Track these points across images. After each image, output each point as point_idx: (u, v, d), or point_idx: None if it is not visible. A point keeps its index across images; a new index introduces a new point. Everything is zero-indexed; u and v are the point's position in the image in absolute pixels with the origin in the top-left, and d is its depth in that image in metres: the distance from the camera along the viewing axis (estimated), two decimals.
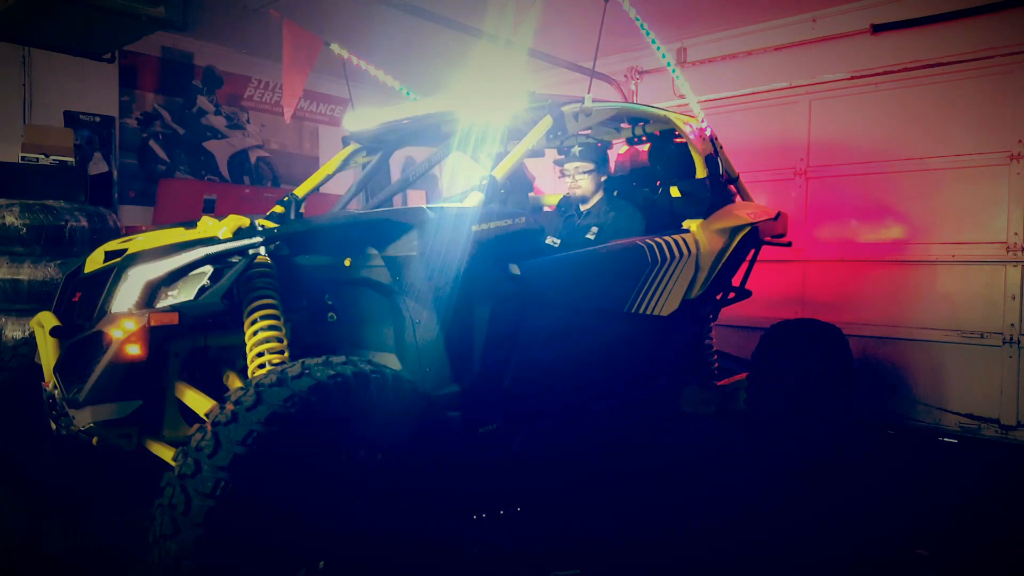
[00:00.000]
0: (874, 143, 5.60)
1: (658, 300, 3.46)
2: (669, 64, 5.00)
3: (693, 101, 4.77)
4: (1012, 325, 4.92)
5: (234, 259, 2.71)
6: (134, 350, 2.39)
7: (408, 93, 5.80)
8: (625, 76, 7.33)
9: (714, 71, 6.58)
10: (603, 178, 3.89)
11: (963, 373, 5.17)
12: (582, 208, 3.93)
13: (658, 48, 4.73)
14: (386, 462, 2.21)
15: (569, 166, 3.88)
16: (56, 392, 2.58)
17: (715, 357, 4.21)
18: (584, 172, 3.84)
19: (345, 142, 4.16)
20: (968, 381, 5.15)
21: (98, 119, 6.80)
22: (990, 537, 3.32)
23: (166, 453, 2.55)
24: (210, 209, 7.10)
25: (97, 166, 6.76)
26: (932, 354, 5.30)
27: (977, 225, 5.10)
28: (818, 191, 5.92)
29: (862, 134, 5.66)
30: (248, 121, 8.00)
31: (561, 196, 4.37)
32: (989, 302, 5.03)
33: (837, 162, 5.78)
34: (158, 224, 6.34)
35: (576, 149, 3.86)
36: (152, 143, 7.23)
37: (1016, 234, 4.91)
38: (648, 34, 4.57)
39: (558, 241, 3.67)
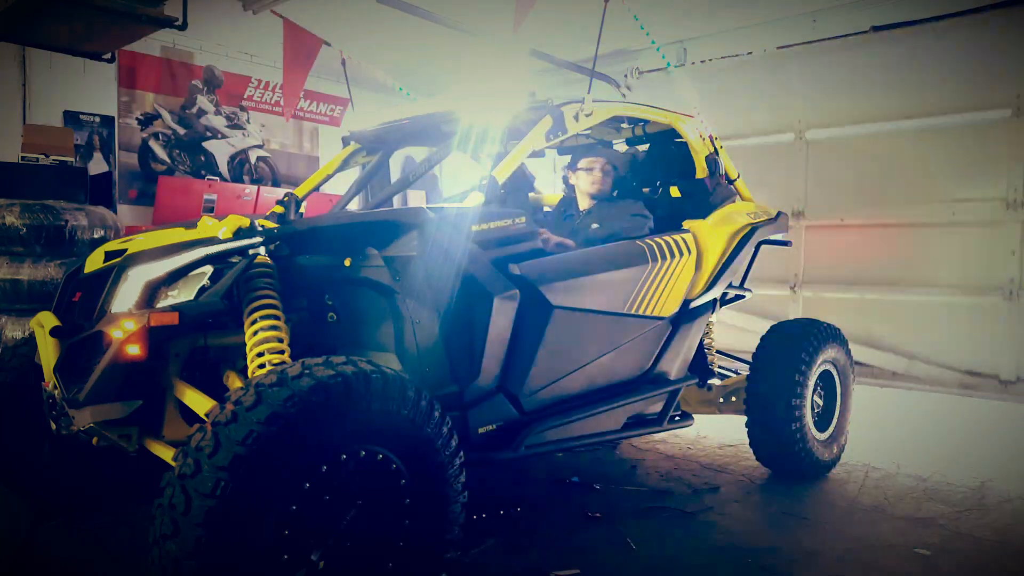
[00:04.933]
0: (873, 103, 5.63)
1: (658, 300, 3.46)
2: (669, 64, 5.00)
3: (694, 100, 4.76)
4: (1012, 280, 4.94)
5: (234, 259, 2.71)
6: (134, 350, 2.39)
7: (407, 92, 5.80)
8: (625, 76, 7.32)
9: (714, 70, 6.58)
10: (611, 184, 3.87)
11: (963, 329, 5.19)
12: (582, 207, 3.92)
13: (658, 49, 4.73)
14: (386, 462, 2.21)
15: (592, 161, 3.85)
16: (56, 392, 2.58)
17: (714, 357, 4.22)
18: (608, 167, 3.84)
19: (345, 142, 4.16)
20: (968, 337, 5.18)
21: (98, 119, 6.80)
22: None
23: (166, 453, 2.55)
24: (210, 209, 7.11)
25: (97, 166, 6.77)
26: (932, 311, 5.32)
27: (977, 181, 5.12)
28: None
29: (862, 97, 5.68)
30: (248, 121, 8.00)
31: (561, 196, 4.37)
32: (989, 258, 5.05)
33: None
34: (158, 224, 6.34)
35: (611, 161, 3.85)
36: (152, 143, 7.23)
37: (1016, 190, 4.92)
38: (648, 34, 4.57)
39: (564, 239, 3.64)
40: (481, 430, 2.83)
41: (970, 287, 5.19)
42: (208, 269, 2.64)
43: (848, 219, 5.80)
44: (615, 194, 3.96)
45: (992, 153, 5.12)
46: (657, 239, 3.51)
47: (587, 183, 3.84)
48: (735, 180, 4.21)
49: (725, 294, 4.07)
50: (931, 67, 5.34)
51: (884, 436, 5.14)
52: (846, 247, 5.89)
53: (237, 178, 7.91)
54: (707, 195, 3.91)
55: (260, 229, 2.78)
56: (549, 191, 5.08)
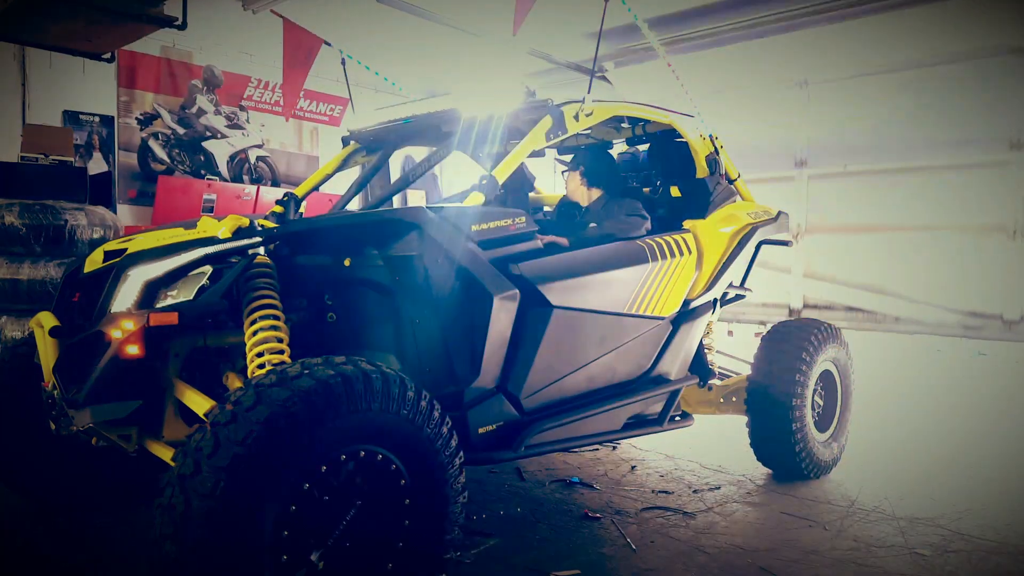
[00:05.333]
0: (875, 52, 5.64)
1: (658, 300, 3.46)
2: (668, 62, 4.99)
3: (692, 96, 4.75)
4: (1016, 219, 4.93)
5: (234, 259, 2.71)
6: (133, 350, 2.39)
7: (407, 92, 5.79)
8: (624, 73, 7.31)
9: (712, 59, 6.52)
10: (588, 183, 3.87)
11: (966, 270, 5.18)
12: (584, 205, 3.93)
13: (657, 46, 4.73)
14: (386, 462, 2.21)
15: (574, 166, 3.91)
16: (56, 392, 2.58)
17: (715, 357, 4.22)
18: (570, 171, 3.88)
19: (345, 142, 4.16)
20: (971, 278, 5.17)
21: (97, 119, 6.80)
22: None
23: (166, 454, 2.55)
24: (209, 209, 7.11)
25: (97, 166, 6.77)
26: (936, 253, 5.32)
27: (981, 122, 5.11)
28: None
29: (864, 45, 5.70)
30: (248, 121, 7.99)
31: (561, 196, 4.36)
32: (993, 198, 5.03)
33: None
34: (158, 224, 6.34)
35: (570, 164, 3.90)
36: (151, 143, 7.23)
37: (1021, 130, 4.90)
38: (648, 33, 4.56)
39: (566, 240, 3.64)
40: (481, 430, 2.82)
41: (974, 228, 5.16)
42: (208, 269, 2.64)
43: (851, 166, 5.77)
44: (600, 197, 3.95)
45: (996, 93, 5.05)
46: (657, 239, 3.50)
47: (568, 186, 3.93)
48: (735, 180, 4.21)
49: (725, 294, 4.07)
50: (932, 19, 5.26)
51: (885, 436, 5.14)
52: (849, 194, 5.85)
53: (237, 178, 7.90)
54: (707, 195, 3.91)
55: (260, 229, 2.78)
56: (549, 191, 5.08)
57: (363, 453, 2.15)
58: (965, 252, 5.20)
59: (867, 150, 5.74)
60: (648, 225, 3.62)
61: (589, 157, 3.92)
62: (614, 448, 4.70)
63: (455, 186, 8.81)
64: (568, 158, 4.04)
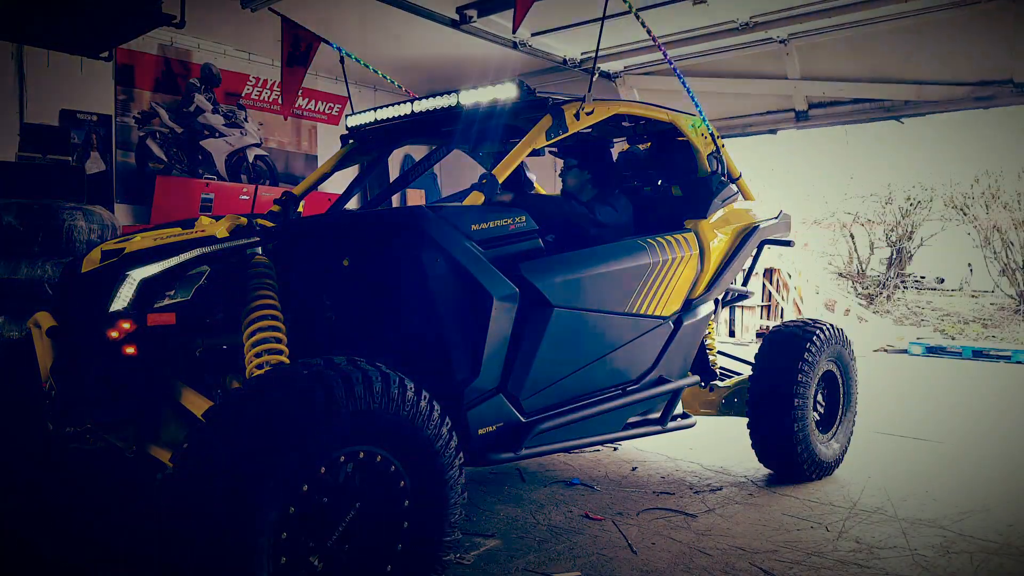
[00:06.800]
0: None
1: (660, 300, 3.44)
2: (670, 61, 4.97)
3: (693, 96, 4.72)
4: None
5: (232, 259, 2.69)
6: (131, 350, 2.37)
7: (405, 90, 5.76)
8: (625, 73, 7.30)
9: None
10: (588, 178, 3.85)
11: (972, 39, 5.04)
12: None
13: (660, 47, 4.70)
14: (386, 463, 2.19)
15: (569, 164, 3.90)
16: (53, 393, 2.56)
17: (716, 357, 4.20)
18: (569, 167, 3.87)
19: (343, 140, 4.14)
20: (978, 46, 5.04)
21: (95, 118, 6.77)
22: None
23: (164, 455, 2.53)
24: (207, 208, 7.09)
25: (94, 165, 6.74)
26: (940, 26, 5.17)
27: None
28: None
29: None
30: (246, 119, 7.97)
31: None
32: None
33: None
34: (155, 223, 6.31)
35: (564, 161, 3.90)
36: (149, 142, 7.20)
37: None
38: (649, 32, 4.54)
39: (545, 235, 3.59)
40: (481, 431, 2.80)
41: None
42: (206, 269, 2.61)
43: None
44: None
45: None
46: (659, 238, 3.48)
47: (567, 182, 3.93)
48: (737, 179, 4.19)
49: (727, 293, 4.06)
50: None
51: (887, 436, 5.13)
52: None
53: (235, 177, 7.88)
54: (709, 194, 3.89)
55: (258, 228, 2.76)
56: (549, 190, 5.05)
57: (362, 454, 2.14)
58: (969, 19, 4.99)
59: None
60: (612, 221, 3.53)
61: (593, 162, 3.92)
62: (615, 449, 4.69)
63: (454, 185, 8.79)
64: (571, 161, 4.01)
